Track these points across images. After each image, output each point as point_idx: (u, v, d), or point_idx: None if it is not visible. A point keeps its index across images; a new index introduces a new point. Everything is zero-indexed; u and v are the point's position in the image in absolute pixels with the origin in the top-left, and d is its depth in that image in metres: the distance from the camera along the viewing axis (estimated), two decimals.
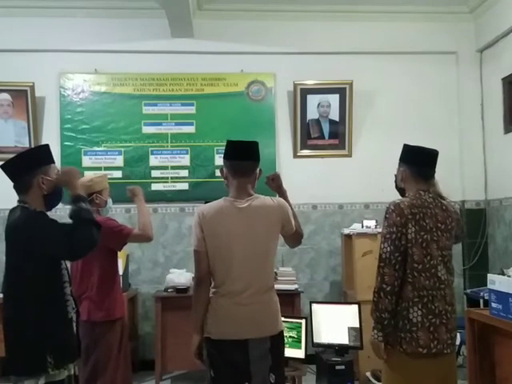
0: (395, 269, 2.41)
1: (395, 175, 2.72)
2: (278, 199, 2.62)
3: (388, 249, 2.44)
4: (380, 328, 2.42)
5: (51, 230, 2.29)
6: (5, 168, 2.42)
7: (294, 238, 2.69)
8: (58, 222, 2.34)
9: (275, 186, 2.77)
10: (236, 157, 2.56)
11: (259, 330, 2.46)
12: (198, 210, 2.57)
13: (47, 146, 2.51)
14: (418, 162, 2.59)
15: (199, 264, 2.52)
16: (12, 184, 2.42)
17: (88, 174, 3.56)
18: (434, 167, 2.64)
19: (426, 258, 2.44)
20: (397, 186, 2.72)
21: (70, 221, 2.34)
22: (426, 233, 2.46)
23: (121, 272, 4.07)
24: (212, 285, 2.54)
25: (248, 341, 2.43)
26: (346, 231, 5.02)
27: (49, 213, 2.46)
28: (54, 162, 2.47)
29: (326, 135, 5.58)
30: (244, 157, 2.56)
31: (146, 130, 5.45)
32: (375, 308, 2.44)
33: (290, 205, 2.66)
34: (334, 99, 5.53)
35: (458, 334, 4.73)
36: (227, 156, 2.59)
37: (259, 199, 2.55)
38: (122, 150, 5.41)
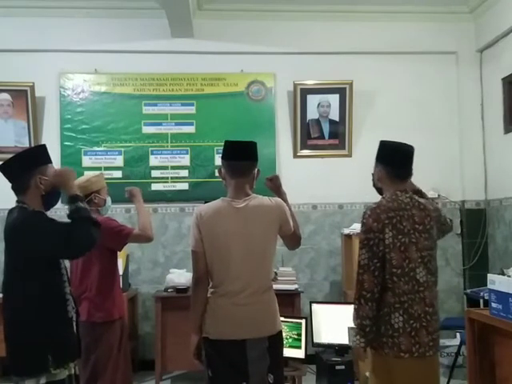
0: (374, 275, 2.37)
1: (372, 174, 2.65)
2: (275, 199, 2.62)
3: (366, 255, 2.40)
4: (362, 334, 2.39)
5: (50, 229, 2.29)
6: (2, 169, 2.42)
7: (293, 239, 2.69)
8: (57, 221, 2.35)
9: (274, 187, 2.77)
10: (233, 157, 2.56)
11: (257, 330, 2.46)
12: (196, 210, 2.58)
13: (44, 146, 2.51)
14: (393, 162, 2.52)
15: (197, 264, 2.53)
16: (10, 184, 2.42)
17: (88, 174, 3.55)
18: (410, 166, 2.56)
19: (404, 261, 2.39)
20: (374, 185, 2.66)
21: (69, 221, 2.35)
22: (403, 236, 2.40)
23: (121, 272, 4.07)
24: (210, 285, 2.54)
25: (246, 341, 2.43)
26: (346, 231, 5.02)
27: (48, 213, 2.46)
28: (51, 162, 2.47)
29: (326, 135, 5.58)
30: (241, 157, 2.56)
31: (146, 129, 5.45)
32: (356, 315, 2.40)
33: (289, 206, 2.66)
34: (334, 99, 5.53)
35: (458, 334, 4.77)
36: (225, 156, 2.60)
37: (257, 199, 2.56)
38: (122, 150, 5.41)
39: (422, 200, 2.55)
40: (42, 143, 2.57)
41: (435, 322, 2.43)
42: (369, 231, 2.41)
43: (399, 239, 2.40)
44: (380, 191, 2.62)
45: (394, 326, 2.37)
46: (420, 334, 2.37)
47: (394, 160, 2.52)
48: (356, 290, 2.43)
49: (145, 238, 3.30)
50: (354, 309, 2.42)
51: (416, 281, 2.39)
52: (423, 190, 2.77)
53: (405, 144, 2.57)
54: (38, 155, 2.44)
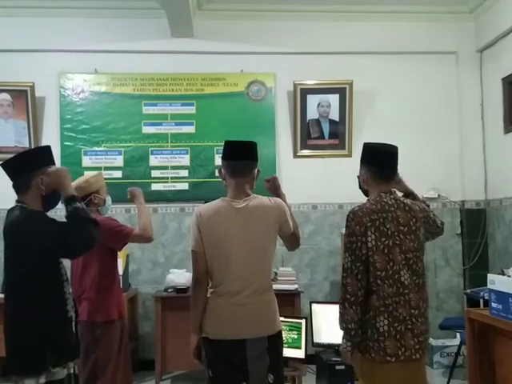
0: (357, 278, 2.36)
1: (358, 177, 2.64)
2: (275, 199, 2.62)
3: (349, 258, 2.39)
4: (348, 338, 2.39)
5: (51, 228, 2.29)
6: (5, 167, 2.42)
7: (292, 239, 2.69)
8: (58, 221, 2.34)
9: (272, 188, 2.78)
10: (233, 157, 2.57)
11: (257, 329, 2.46)
12: (196, 210, 2.58)
13: (49, 147, 2.51)
14: (376, 163, 2.51)
15: (197, 264, 2.54)
16: (11, 183, 2.42)
17: (86, 175, 3.54)
18: (395, 166, 2.55)
19: (388, 264, 2.37)
20: (360, 187, 2.65)
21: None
22: (387, 238, 2.38)
23: (121, 272, 4.07)
24: (210, 285, 2.55)
25: (246, 341, 2.44)
26: None
27: (49, 213, 2.46)
28: (54, 163, 2.47)
29: (326, 135, 5.58)
30: (241, 157, 2.57)
31: (146, 130, 5.45)
32: (341, 319, 2.39)
33: (289, 207, 2.67)
34: (334, 99, 5.53)
35: (458, 334, 4.77)
36: (225, 156, 2.61)
37: (257, 199, 2.56)
38: (122, 150, 5.41)
39: (407, 201, 2.53)
40: (47, 144, 2.56)
41: (421, 324, 2.40)
42: (351, 234, 2.41)
43: (382, 242, 2.38)
44: (366, 193, 2.60)
45: (380, 329, 2.35)
46: (405, 337, 2.34)
47: (377, 160, 2.51)
48: (340, 294, 2.42)
49: (145, 238, 3.30)
50: (339, 313, 2.40)
51: (401, 283, 2.37)
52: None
53: (388, 144, 2.56)
54: (41, 156, 2.44)
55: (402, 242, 2.41)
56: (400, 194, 2.62)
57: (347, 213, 2.49)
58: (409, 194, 2.69)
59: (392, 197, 2.48)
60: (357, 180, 2.66)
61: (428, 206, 2.71)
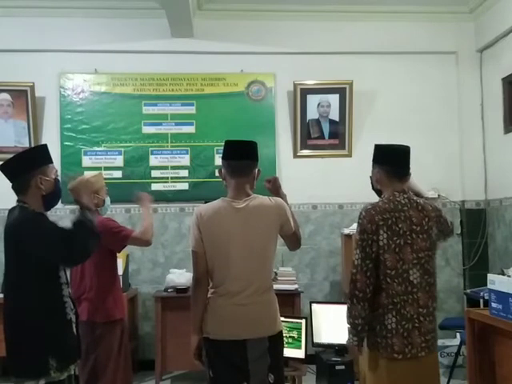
0: (367, 276, 2.40)
1: (370, 177, 2.66)
2: (276, 199, 2.62)
3: (359, 255, 2.42)
4: (355, 333, 2.43)
5: (49, 233, 2.28)
6: (3, 168, 2.42)
7: (293, 239, 2.68)
8: (58, 225, 2.34)
9: (273, 189, 2.77)
10: (233, 156, 2.57)
11: (258, 330, 2.46)
12: (196, 210, 2.58)
13: (45, 146, 2.51)
14: (390, 162, 2.54)
15: (197, 264, 2.53)
16: (10, 184, 2.42)
17: (86, 174, 3.54)
18: (408, 165, 2.58)
19: (398, 263, 2.40)
20: (373, 188, 2.67)
21: (68, 223, 2.34)
22: (398, 237, 2.41)
23: (121, 272, 4.07)
24: (210, 285, 2.54)
25: (246, 341, 2.43)
26: (346, 231, 5.02)
27: (48, 212, 2.46)
28: (52, 162, 2.47)
29: (326, 135, 5.58)
30: (241, 156, 2.57)
31: (146, 129, 5.45)
32: (349, 314, 2.43)
33: (289, 207, 2.66)
34: (334, 99, 5.53)
35: (458, 334, 4.77)
36: (225, 156, 2.60)
37: (257, 199, 2.56)
38: (122, 150, 5.41)
39: (420, 200, 2.55)
40: (44, 143, 2.56)
41: (429, 323, 2.44)
42: (363, 232, 2.44)
43: (394, 241, 2.41)
44: (379, 193, 2.63)
45: (388, 326, 2.39)
46: (412, 335, 2.38)
47: (390, 159, 2.55)
48: (349, 290, 2.45)
49: (143, 241, 3.31)
50: (347, 308, 2.45)
51: (409, 282, 2.41)
52: (424, 191, 2.77)
53: (399, 144, 2.60)
54: (38, 155, 2.44)
55: (414, 241, 2.44)
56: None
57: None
58: (417, 194, 2.71)
59: (405, 196, 2.51)
60: (369, 180, 2.68)
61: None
